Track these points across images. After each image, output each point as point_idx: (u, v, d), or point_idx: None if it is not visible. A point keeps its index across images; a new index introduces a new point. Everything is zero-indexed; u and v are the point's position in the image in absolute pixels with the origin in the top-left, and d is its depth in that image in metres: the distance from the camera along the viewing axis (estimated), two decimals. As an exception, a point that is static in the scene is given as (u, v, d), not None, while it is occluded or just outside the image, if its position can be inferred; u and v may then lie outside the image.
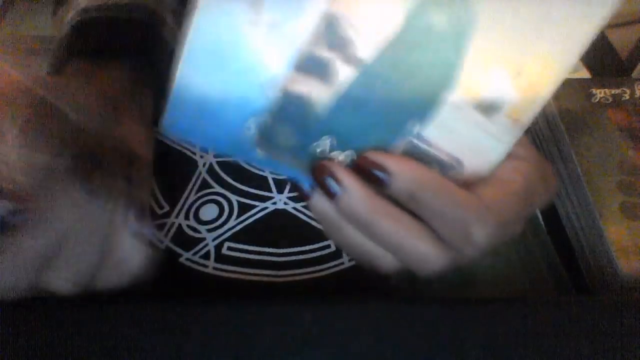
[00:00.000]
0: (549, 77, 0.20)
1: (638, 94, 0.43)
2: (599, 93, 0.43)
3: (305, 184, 0.22)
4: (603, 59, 0.53)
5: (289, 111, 0.21)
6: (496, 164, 0.22)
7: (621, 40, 0.57)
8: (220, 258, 0.33)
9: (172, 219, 0.35)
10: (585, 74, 0.51)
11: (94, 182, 0.24)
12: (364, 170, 0.21)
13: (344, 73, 0.20)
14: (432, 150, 0.22)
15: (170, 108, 0.20)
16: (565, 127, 0.40)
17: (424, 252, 0.21)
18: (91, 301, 0.24)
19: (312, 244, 0.35)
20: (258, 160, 0.22)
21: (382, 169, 0.21)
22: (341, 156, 0.22)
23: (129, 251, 0.25)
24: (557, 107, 0.42)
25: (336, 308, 0.25)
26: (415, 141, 0.21)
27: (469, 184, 0.22)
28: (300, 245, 0.34)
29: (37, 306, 0.24)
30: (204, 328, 0.24)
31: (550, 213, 0.40)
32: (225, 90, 0.20)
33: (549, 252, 0.36)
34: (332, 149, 0.22)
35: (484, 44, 0.19)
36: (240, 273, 0.33)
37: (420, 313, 0.24)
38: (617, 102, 0.42)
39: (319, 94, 0.20)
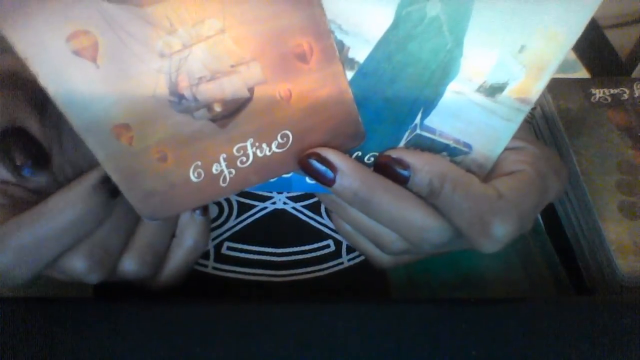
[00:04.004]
0: (554, 50, 0.20)
1: (637, 94, 0.43)
2: (598, 93, 0.43)
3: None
4: (602, 59, 0.53)
5: None
6: (506, 144, 0.22)
7: (621, 40, 0.57)
8: (219, 258, 0.33)
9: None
10: (584, 73, 0.51)
11: None
12: (385, 169, 0.21)
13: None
14: (439, 139, 0.22)
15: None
16: (564, 126, 0.40)
17: (426, 223, 0.21)
18: (90, 301, 0.24)
19: (312, 243, 0.35)
20: (270, 183, 0.22)
21: (403, 165, 0.21)
22: (349, 155, 0.22)
23: (193, 237, 0.25)
24: (556, 107, 0.42)
25: (336, 308, 0.25)
26: (422, 132, 0.21)
27: (482, 177, 0.22)
28: (300, 245, 0.34)
29: (36, 306, 0.24)
30: (204, 328, 0.24)
31: (550, 213, 0.41)
32: None
33: (548, 251, 0.36)
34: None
35: (484, 24, 0.19)
36: (239, 273, 0.33)
37: (420, 313, 0.24)
38: (616, 102, 0.42)
39: None
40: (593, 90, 0.43)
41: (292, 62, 0.19)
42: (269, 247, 0.34)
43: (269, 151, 0.21)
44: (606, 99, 0.42)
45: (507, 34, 0.20)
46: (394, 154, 0.21)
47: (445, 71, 0.20)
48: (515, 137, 0.23)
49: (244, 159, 0.21)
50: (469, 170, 0.22)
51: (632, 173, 0.37)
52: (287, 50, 0.19)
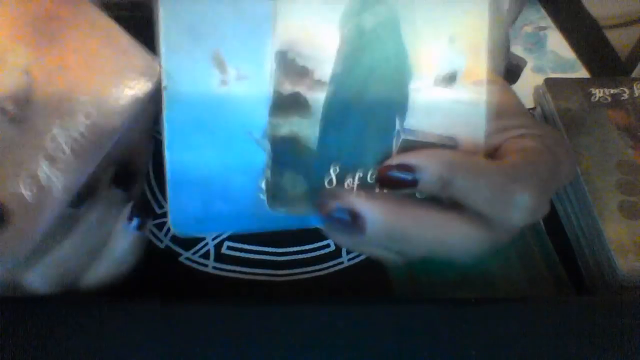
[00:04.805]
0: (478, 32, 0.21)
1: (637, 94, 0.43)
2: (598, 93, 0.43)
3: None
4: (602, 59, 0.53)
5: (286, 158, 0.20)
6: (484, 127, 0.22)
7: (620, 40, 0.57)
8: (220, 257, 0.33)
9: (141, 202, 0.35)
10: (584, 73, 0.51)
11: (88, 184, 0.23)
12: (391, 181, 0.21)
13: (315, 100, 0.20)
14: (424, 139, 0.22)
15: (173, 204, 0.19)
16: (564, 126, 0.40)
17: (465, 240, 0.21)
18: (91, 301, 0.24)
19: (312, 243, 0.35)
20: (277, 224, 0.21)
21: (407, 169, 0.20)
22: (354, 182, 0.21)
23: (123, 250, 0.25)
24: (556, 107, 0.42)
25: (336, 308, 0.25)
26: (407, 136, 0.22)
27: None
28: (300, 245, 0.34)
29: (36, 306, 0.24)
30: (204, 327, 0.24)
31: (550, 213, 0.41)
32: (224, 163, 0.20)
33: (548, 251, 0.36)
34: (341, 177, 0.21)
35: (419, 28, 0.21)
36: (239, 272, 0.33)
37: (420, 313, 0.24)
38: (616, 101, 0.42)
39: (306, 129, 0.20)
40: (593, 90, 0.43)
41: (47, 26, 0.18)
42: (269, 246, 0.34)
43: (80, 131, 0.20)
44: (606, 99, 0.42)
45: (437, 29, 0.21)
46: (393, 161, 0.21)
47: (401, 74, 0.21)
48: (518, 124, 0.23)
49: (61, 152, 0.20)
50: None
51: (632, 173, 0.37)
52: (40, 16, 0.18)
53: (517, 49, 0.53)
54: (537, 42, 0.55)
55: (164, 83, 0.19)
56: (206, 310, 0.24)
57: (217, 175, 0.20)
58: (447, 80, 0.22)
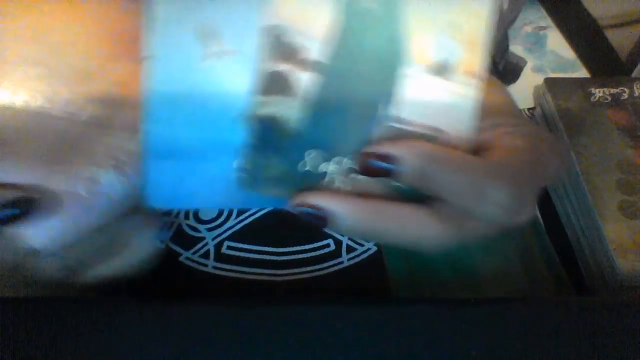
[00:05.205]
0: (479, 25, 0.21)
1: (637, 93, 0.43)
2: (598, 92, 0.43)
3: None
4: (602, 58, 0.53)
5: (264, 139, 0.20)
6: (472, 121, 0.22)
7: (620, 40, 0.57)
8: (219, 257, 0.33)
9: (171, 218, 0.35)
10: (584, 73, 0.51)
11: None
12: (370, 168, 0.21)
13: (304, 80, 0.20)
14: (409, 128, 0.21)
15: (150, 178, 0.19)
16: (564, 126, 0.40)
17: (432, 234, 0.21)
18: (91, 301, 0.24)
19: (312, 243, 0.35)
20: (248, 202, 0.21)
21: (387, 159, 0.20)
22: (331, 166, 0.21)
23: (142, 253, 0.25)
24: (556, 107, 0.42)
25: (336, 308, 0.25)
26: (391, 124, 0.21)
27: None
28: (300, 245, 0.34)
29: (36, 306, 0.24)
30: (204, 327, 0.24)
31: (549, 212, 0.41)
32: (203, 139, 0.19)
33: (548, 251, 0.36)
34: (319, 162, 0.21)
35: (418, 12, 0.20)
36: (239, 272, 0.33)
37: (420, 313, 0.24)
38: (616, 101, 0.42)
39: (287, 110, 0.20)
40: (593, 90, 0.43)
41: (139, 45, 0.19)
42: (268, 246, 0.34)
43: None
44: (606, 99, 0.42)
45: (437, 16, 0.20)
46: (375, 150, 0.21)
47: (394, 59, 0.20)
48: (508, 122, 0.23)
49: (128, 163, 0.21)
50: None
51: (632, 172, 0.37)
52: (135, 37, 0.19)
53: (517, 49, 0.53)
54: (537, 42, 0.55)
55: (147, 53, 0.18)
56: (206, 310, 0.24)
57: (194, 151, 0.20)
58: (441, 70, 0.21)
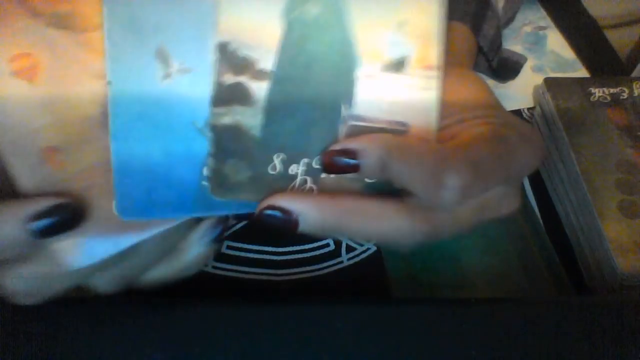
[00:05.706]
0: (430, 20, 0.22)
1: (636, 93, 0.43)
2: (598, 92, 0.43)
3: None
4: (602, 58, 0.53)
5: (229, 146, 0.21)
6: (436, 112, 0.22)
7: (620, 40, 0.57)
8: (220, 257, 0.33)
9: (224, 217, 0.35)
10: (584, 73, 0.51)
11: None
12: (334, 165, 0.21)
13: (262, 89, 0.21)
14: (373, 124, 0.22)
15: (118, 191, 0.20)
16: (564, 126, 0.40)
17: (401, 230, 0.21)
18: (91, 301, 0.24)
19: (311, 242, 0.35)
20: (221, 209, 0.22)
21: (349, 153, 0.20)
22: (298, 168, 0.22)
23: (194, 258, 0.25)
24: (555, 106, 0.42)
25: (336, 308, 0.25)
26: (354, 122, 0.22)
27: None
28: (300, 244, 0.34)
29: (36, 306, 0.24)
30: (204, 327, 0.24)
31: (549, 212, 0.41)
32: (167, 152, 0.21)
33: (548, 251, 0.37)
34: (286, 165, 0.22)
35: (365, 14, 0.21)
36: (239, 272, 0.33)
37: (420, 313, 0.24)
38: (615, 101, 0.42)
39: (248, 118, 0.21)
40: (592, 90, 0.43)
41: None
42: (268, 246, 0.34)
43: None
44: (606, 99, 0.42)
45: (385, 15, 0.21)
46: (336, 147, 0.21)
47: (348, 60, 0.21)
48: (479, 114, 0.23)
49: None
50: None
51: (631, 172, 0.37)
52: None
53: (517, 49, 0.53)
54: (536, 42, 0.55)
55: (108, 78, 0.19)
56: (206, 310, 0.24)
57: (161, 164, 0.21)
58: (396, 66, 0.22)
